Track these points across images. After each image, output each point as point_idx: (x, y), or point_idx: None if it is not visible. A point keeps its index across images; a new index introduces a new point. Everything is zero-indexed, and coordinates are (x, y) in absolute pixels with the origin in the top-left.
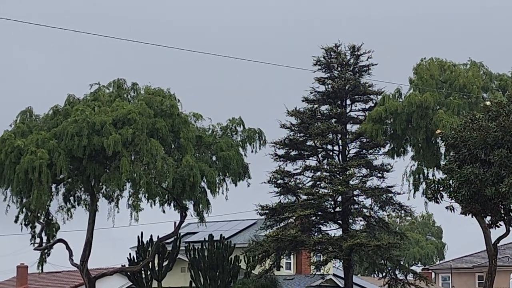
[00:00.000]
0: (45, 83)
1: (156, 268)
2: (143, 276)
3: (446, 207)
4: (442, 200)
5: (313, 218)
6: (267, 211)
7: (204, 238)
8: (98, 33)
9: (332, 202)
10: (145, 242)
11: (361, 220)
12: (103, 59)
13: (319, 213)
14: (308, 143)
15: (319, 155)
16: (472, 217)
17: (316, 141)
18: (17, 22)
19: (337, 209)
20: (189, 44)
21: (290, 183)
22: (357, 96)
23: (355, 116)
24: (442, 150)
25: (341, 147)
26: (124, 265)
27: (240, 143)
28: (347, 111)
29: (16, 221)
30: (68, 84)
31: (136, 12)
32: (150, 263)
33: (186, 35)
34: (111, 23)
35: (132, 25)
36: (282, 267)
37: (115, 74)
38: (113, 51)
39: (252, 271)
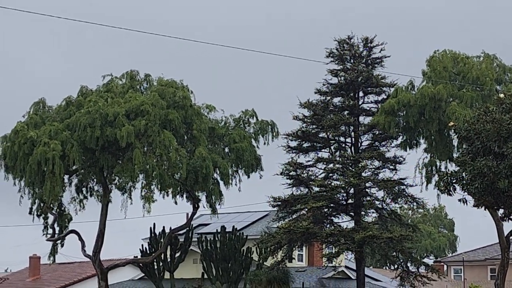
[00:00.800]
0: (57, 76)
1: (168, 260)
2: (155, 267)
3: (459, 200)
4: (454, 192)
5: (325, 210)
6: (279, 203)
7: (217, 230)
8: (110, 25)
9: (345, 194)
10: (157, 234)
11: (373, 212)
12: (111, 53)
13: (331, 205)
14: (320, 135)
15: (332, 147)
16: (484, 209)
17: (328, 133)
18: (19, 16)
19: (349, 201)
20: (202, 38)
21: (302, 175)
22: (369, 88)
23: (368, 108)
24: (455, 142)
25: (353, 139)
26: (137, 256)
27: (253, 134)
28: (360, 103)
29: (30, 213)
30: (80, 76)
31: (132, 12)
32: (163, 254)
33: (186, 33)
34: (108, 23)
35: (128, 25)
36: (294, 258)
37: (125, 67)
38: (120, 45)
39: (264, 263)
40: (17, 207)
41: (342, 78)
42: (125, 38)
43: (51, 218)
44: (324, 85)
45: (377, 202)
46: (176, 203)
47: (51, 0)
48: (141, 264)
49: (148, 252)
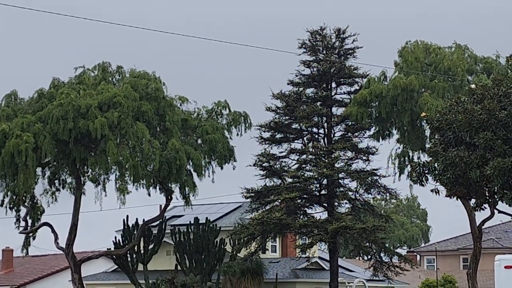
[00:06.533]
0: (28, 68)
1: (142, 251)
2: (129, 259)
3: (431, 190)
4: (427, 183)
5: (299, 201)
6: (252, 194)
7: (190, 221)
8: (83, 17)
9: (318, 185)
10: (130, 226)
11: (346, 203)
12: (85, 44)
13: (305, 196)
14: (293, 126)
15: (305, 138)
16: (457, 199)
17: (301, 124)
18: None
19: (323, 192)
20: (174, 30)
21: (275, 166)
22: (342, 79)
23: (341, 99)
24: (427, 133)
25: (326, 130)
26: (110, 249)
27: (226, 126)
28: (333, 94)
29: (1, 205)
30: (52, 68)
31: (105, 4)
32: (136, 246)
33: (159, 25)
34: (80, 15)
35: (101, 17)
36: (268, 250)
37: (97, 59)
38: (92, 37)
39: (238, 254)
40: None
41: (315, 69)
42: (98, 30)
43: (23, 211)
44: (296, 76)
45: (350, 193)
46: (149, 194)
47: None
48: (114, 256)
49: (121, 244)
